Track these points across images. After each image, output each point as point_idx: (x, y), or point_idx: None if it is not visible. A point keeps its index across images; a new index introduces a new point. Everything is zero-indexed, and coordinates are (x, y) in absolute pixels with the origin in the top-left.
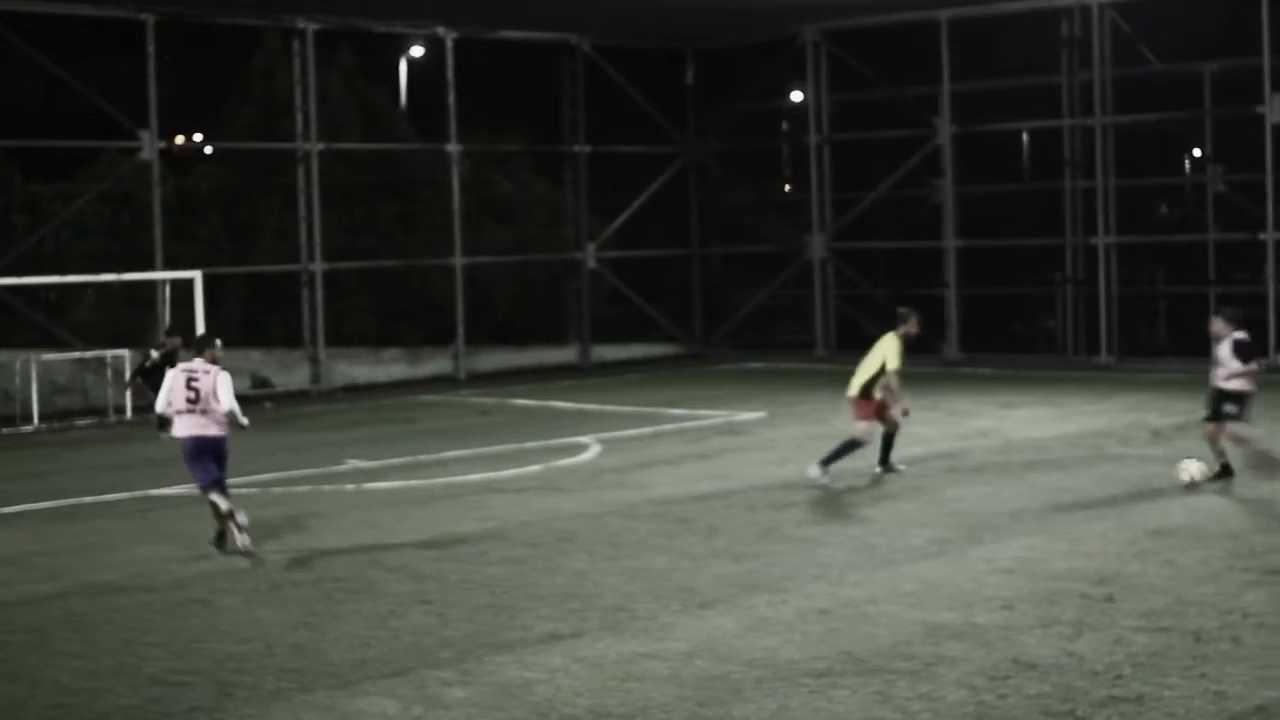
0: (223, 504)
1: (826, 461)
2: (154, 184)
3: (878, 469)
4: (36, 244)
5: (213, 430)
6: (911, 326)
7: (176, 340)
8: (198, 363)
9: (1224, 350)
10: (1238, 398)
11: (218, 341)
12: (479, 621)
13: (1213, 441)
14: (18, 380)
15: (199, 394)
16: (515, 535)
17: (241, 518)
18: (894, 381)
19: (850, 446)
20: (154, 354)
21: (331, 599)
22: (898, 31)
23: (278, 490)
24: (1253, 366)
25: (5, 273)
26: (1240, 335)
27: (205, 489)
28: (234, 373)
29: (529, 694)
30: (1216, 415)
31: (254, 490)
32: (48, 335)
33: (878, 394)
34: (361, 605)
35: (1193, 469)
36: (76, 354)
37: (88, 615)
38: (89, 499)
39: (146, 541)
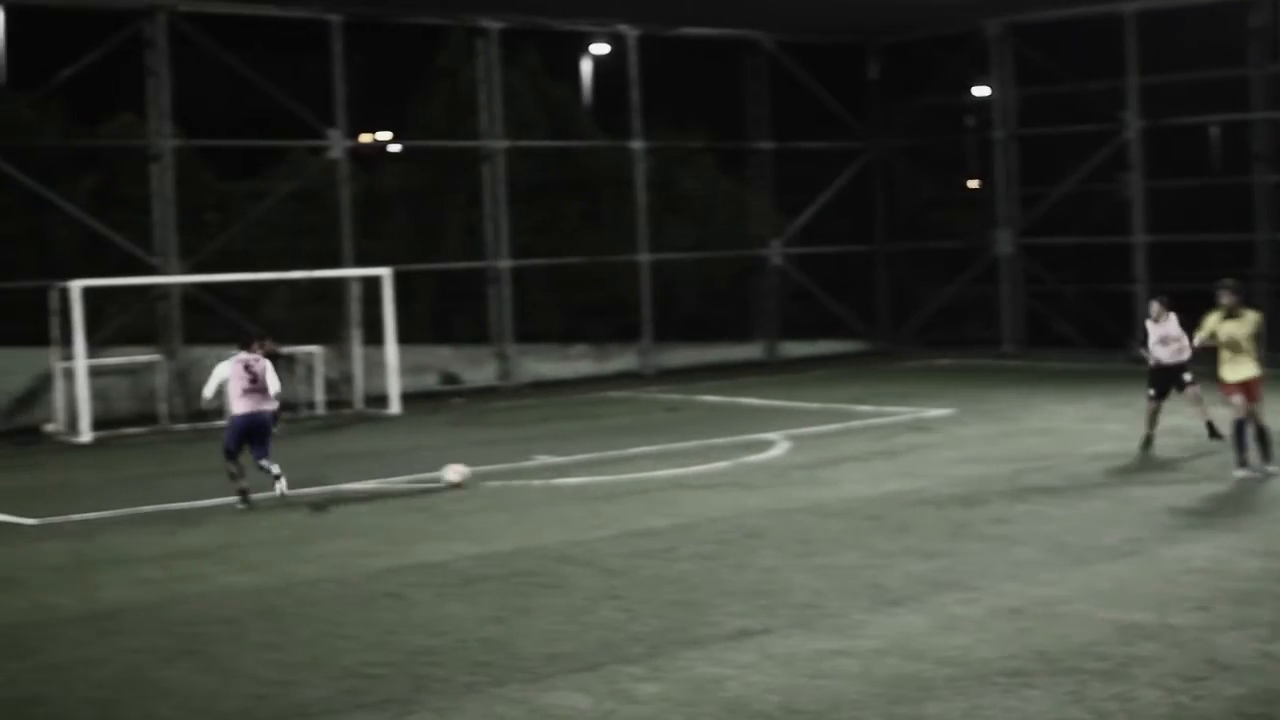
0: (274, 468)
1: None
2: (342, 182)
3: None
4: (228, 242)
5: (267, 406)
6: (1224, 298)
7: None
8: (252, 355)
9: (1172, 328)
10: (1187, 368)
11: (268, 340)
12: (669, 617)
13: (1154, 417)
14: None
15: (256, 378)
16: (704, 531)
17: (276, 469)
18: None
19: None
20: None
21: (522, 594)
22: (1083, 24)
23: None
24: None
25: (198, 270)
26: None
27: (232, 453)
28: (422, 369)
29: (720, 690)
30: (1164, 393)
31: (443, 485)
32: (239, 332)
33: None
34: (552, 600)
35: (453, 473)
36: None
37: (282, 608)
38: None
39: (339, 535)
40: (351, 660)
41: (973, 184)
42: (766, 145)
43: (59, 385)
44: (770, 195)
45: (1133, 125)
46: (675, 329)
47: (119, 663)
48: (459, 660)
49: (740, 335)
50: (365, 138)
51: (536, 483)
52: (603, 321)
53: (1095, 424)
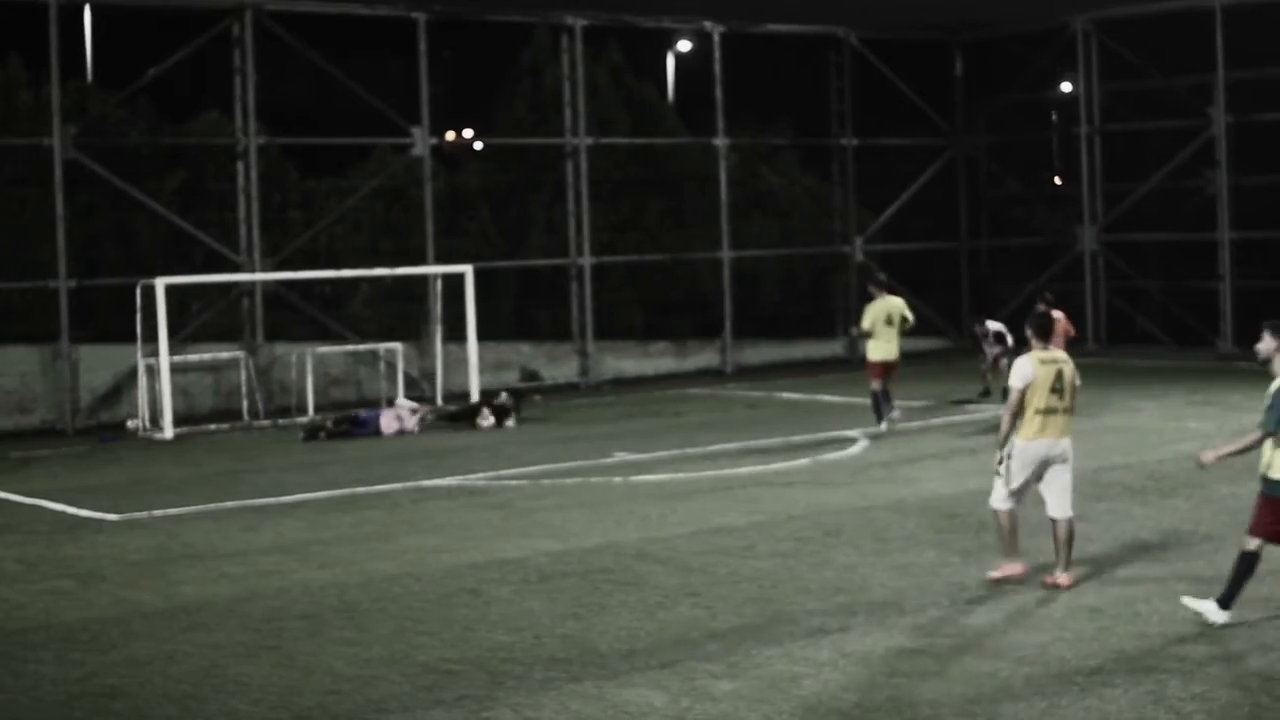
0: None
1: None
2: (425, 180)
3: None
4: (311, 239)
5: None
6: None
7: None
8: None
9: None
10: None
11: None
12: (746, 615)
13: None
14: (294, 372)
15: None
16: (782, 529)
17: None
18: None
19: None
20: None
21: (600, 590)
22: (1170, 19)
23: (546, 482)
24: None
25: (282, 267)
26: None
27: None
28: (503, 366)
29: (796, 688)
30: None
31: (523, 482)
32: (322, 328)
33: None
34: (629, 597)
35: None
36: (350, 347)
37: (361, 604)
38: (362, 489)
39: (418, 532)
40: (429, 656)
41: (1057, 180)
42: (849, 142)
43: (143, 382)
44: (853, 192)
45: (1219, 121)
46: (756, 326)
47: (198, 658)
48: (536, 657)
49: (821, 332)
50: (449, 135)
51: (616, 479)
52: (683, 318)
53: (1176, 422)
